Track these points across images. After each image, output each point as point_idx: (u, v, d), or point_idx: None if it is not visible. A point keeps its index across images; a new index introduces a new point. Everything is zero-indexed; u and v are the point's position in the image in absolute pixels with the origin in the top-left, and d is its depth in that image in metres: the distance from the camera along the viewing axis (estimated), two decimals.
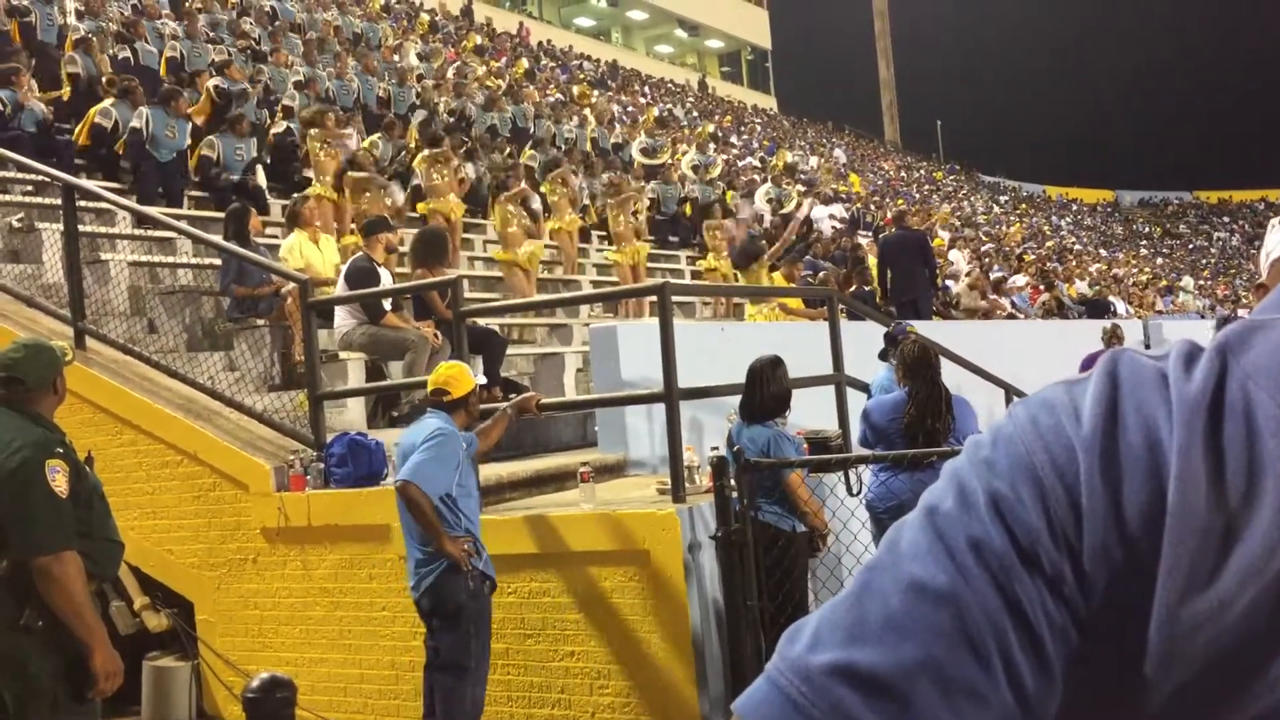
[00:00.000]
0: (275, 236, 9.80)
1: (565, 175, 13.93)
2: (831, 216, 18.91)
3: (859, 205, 23.77)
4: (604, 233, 14.36)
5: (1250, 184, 60.47)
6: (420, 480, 4.83)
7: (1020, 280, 19.23)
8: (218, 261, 9.09)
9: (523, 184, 12.27)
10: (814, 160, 30.69)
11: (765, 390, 5.73)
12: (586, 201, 15.07)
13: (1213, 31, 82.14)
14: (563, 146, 17.36)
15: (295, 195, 10.05)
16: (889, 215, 19.73)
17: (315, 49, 15.95)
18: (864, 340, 7.71)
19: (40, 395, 4.01)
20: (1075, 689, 0.71)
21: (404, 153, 13.21)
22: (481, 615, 5.02)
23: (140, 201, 10.23)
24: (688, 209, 17.45)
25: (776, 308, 10.44)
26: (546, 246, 13.57)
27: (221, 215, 9.18)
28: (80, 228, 7.88)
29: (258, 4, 18.33)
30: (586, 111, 21.35)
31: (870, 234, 19.03)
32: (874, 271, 13.43)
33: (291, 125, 12.58)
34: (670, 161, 18.76)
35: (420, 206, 12.26)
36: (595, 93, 25.90)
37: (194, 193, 11.55)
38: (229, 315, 8.27)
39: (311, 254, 8.58)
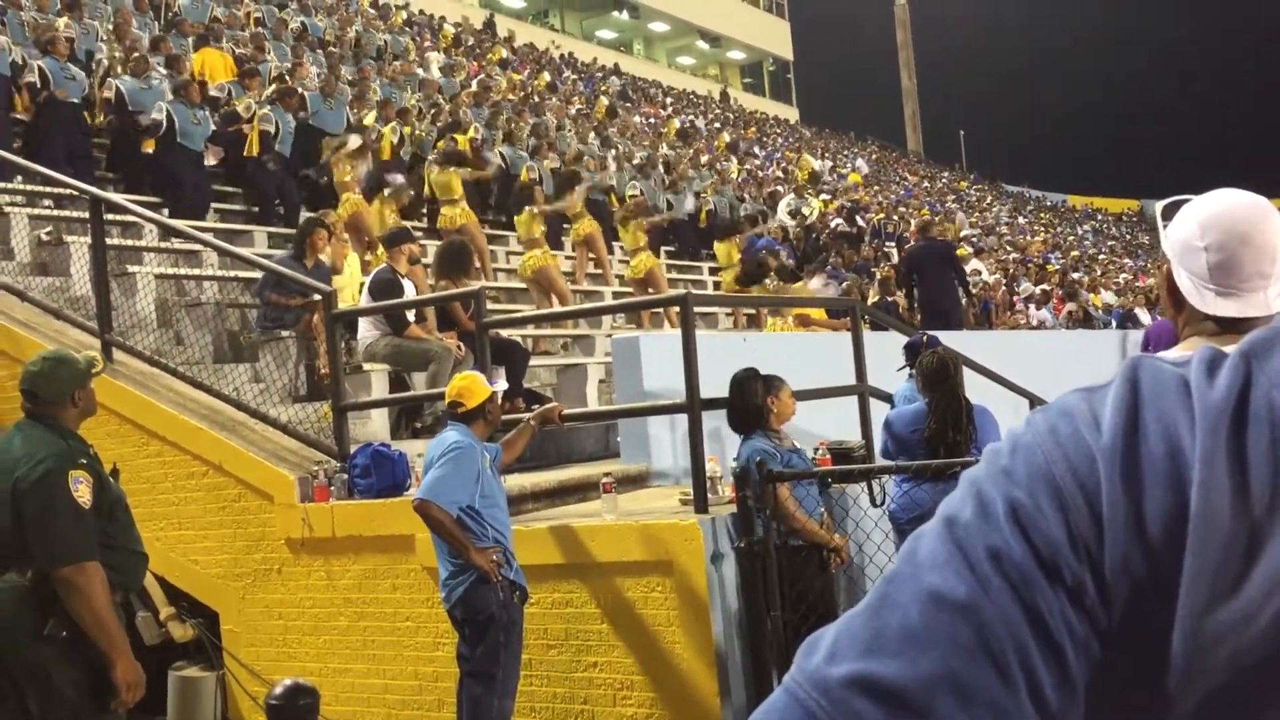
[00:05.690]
0: None
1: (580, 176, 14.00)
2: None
3: (881, 216, 23.66)
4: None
5: (1279, 192, 59.92)
6: (435, 496, 4.82)
7: (1037, 290, 19.04)
8: (243, 274, 9.14)
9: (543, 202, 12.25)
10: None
11: (737, 402, 5.73)
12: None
13: (1240, 39, 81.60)
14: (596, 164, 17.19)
15: (308, 217, 9.85)
16: (914, 226, 19.58)
17: (339, 62, 16.00)
18: (887, 351, 7.68)
19: (59, 409, 4.04)
20: (1098, 702, 0.70)
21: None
22: (513, 625, 5.00)
23: (175, 204, 10.34)
24: (703, 218, 17.34)
25: (790, 320, 10.43)
26: (567, 257, 13.58)
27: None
28: (108, 241, 7.94)
29: (287, 20, 18.40)
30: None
31: (894, 244, 18.93)
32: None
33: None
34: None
35: (442, 217, 12.29)
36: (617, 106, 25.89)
37: (220, 205, 11.62)
38: (257, 323, 8.29)
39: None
